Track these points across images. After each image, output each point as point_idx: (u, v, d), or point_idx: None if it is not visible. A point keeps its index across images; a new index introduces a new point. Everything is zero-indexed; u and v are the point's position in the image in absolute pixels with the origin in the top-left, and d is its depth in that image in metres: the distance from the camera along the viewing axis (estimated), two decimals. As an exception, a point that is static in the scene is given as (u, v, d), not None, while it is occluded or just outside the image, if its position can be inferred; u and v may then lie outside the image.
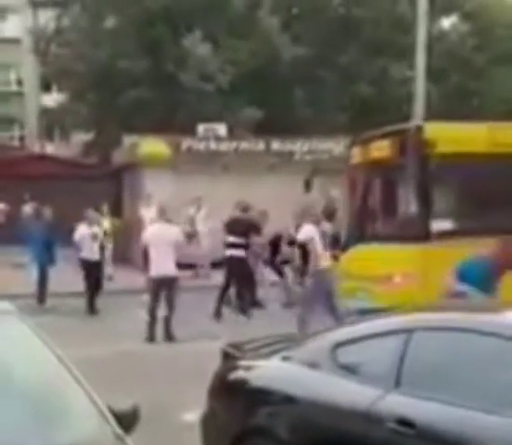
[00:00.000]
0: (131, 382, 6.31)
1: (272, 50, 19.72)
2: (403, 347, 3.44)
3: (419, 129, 9.64)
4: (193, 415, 4.76)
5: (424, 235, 9.40)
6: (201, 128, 17.48)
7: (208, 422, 4.31)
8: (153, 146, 17.02)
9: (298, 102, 20.50)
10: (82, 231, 11.50)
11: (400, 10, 20.85)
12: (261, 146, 17.30)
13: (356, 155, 10.94)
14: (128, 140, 18.19)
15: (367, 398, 3.40)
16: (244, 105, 19.56)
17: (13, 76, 30.50)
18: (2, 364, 2.60)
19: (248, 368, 4.27)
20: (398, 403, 3.31)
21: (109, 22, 22.10)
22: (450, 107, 19.36)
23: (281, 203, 12.76)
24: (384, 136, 10.19)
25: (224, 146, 17.27)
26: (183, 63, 19.50)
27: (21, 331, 2.70)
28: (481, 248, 9.47)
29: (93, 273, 11.44)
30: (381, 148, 10.15)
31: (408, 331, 3.50)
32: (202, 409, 4.38)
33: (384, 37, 21.19)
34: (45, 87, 29.55)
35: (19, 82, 30.50)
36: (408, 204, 9.81)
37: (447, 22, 24.07)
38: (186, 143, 17.14)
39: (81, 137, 25.84)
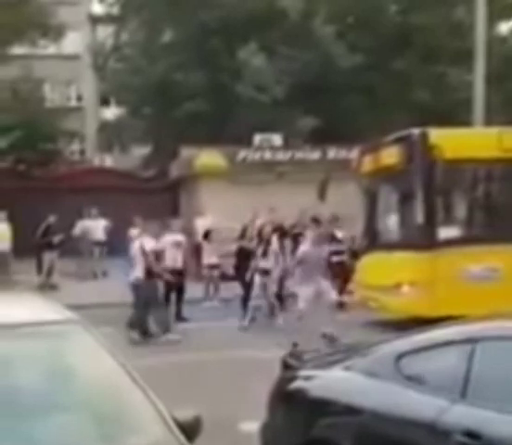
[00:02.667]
0: (189, 392, 6.32)
1: (327, 59, 19.71)
2: (469, 357, 3.34)
3: (424, 135, 9.42)
4: (252, 425, 4.72)
5: (430, 243, 9.19)
6: (257, 138, 17.58)
7: (267, 432, 4.27)
8: (209, 157, 17.18)
9: (354, 110, 20.40)
10: (165, 239, 11.09)
11: (457, 15, 20.59)
12: (316, 154, 17.27)
13: (366, 163, 10.77)
14: (185, 152, 18.42)
15: (433, 409, 3.31)
16: (300, 114, 19.58)
17: (73, 92, 31.32)
18: (68, 373, 2.63)
19: (308, 378, 4.21)
20: (464, 415, 3.21)
21: (166, 36, 22.50)
22: (511, 112, 18.94)
23: (338, 211, 12.64)
24: (391, 143, 10.05)
25: (280, 156, 17.31)
26: (238, 74, 19.66)
27: (87, 341, 2.72)
28: (490, 256, 9.13)
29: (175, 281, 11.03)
30: (388, 156, 9.99)
31: (474, 341, 3.40)
32: (262, 419, 4.34)
33: (441, 43, 20.94)
34: (104, 102, 30.25)
35: (79, 98, 31.29)
36: (414, 211, 9.56)
37: (505, 27, 23.64)
38: (242, 153, 17.25)
39: (139, 150, 26.31)
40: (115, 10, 24.13)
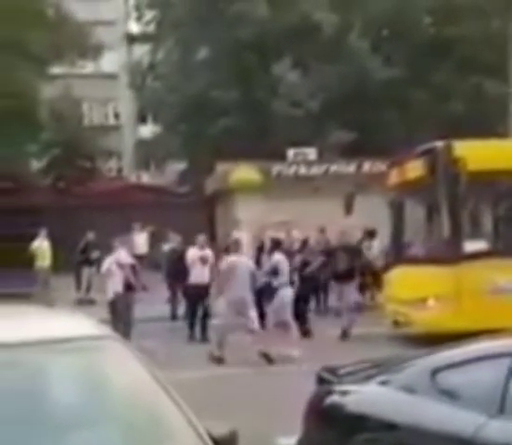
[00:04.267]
0: (223, 406, 6.30)
1: (362, 72, 19.72)
2: (507, 371, 3.28)
3: (448, 147, 9.31)
4: (288, 440, 4.70)
5: (455, 256, 9.04)
6: (291, 153, 17.63)
7: (303, 447, 4.24)
8: (244, 172, 17.29)
9: (389, 123, 20.34)
10: (191, 254, 11.18)
11: (493, 27, 20.43)
12: (351, 168, 17.23)
13: (393, 176, 10.67)
14: (221, 167, 18.57)
15: (470, 425, 3.25)
16: (334, 128, 19.59)
17: (111, 110, 31.84)
18: (104, 388, 2.65)
19: (344, 393, 4.18)
20: (503, 430, 3.15)
21: (201, 54, 22.79)
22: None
23: (373, 225, 12.62)
24: (416, 156, 9.95)
25: (314, 170, 17.32)
26: (273, 90, 19.79)
27: (123, 355, 2.73)
28: None
29: (201, 297, 11.13)
30: (414, 169, 9.91)
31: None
32: (297, 434, 4.32)
33: (477, 54, 20.79)
34: (141, 119, 30.68)
35: (117, 116, 31.80)
36: (439, 225, 9.46)
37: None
38: (276, 168, 17.31)
39: (175, 166, 26.58)
40: (151, 29, 24.54)
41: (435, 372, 3.65)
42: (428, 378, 3.64)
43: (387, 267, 10.79)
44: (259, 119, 19.99)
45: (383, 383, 3.94)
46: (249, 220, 14.96)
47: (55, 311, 3.73)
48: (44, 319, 3.07)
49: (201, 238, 11.51)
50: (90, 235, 15.68)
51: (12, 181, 22.56)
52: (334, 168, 17.42)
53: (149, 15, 24.13)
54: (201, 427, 2.56)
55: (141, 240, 17.46)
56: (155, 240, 17.81)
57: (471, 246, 9.21)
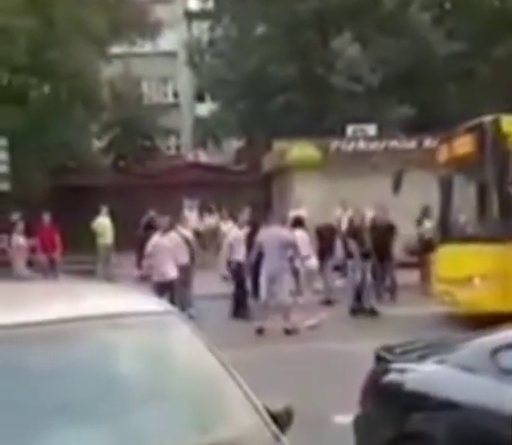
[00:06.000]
0: (280, 384, 6.34)
1: (424, 47, 19.25)
2: None
3: (496, 123, 8.99)
4: (345, 418, 4.72)
5: (503, 235, 8.81)
6: (350, 129, 17.41)
7: (361, 424, 4.26)
8: (302, 149, 17.17)
9: (451, 98, 19.85)
10: (234, 234, 11.41)
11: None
12: (412, 144, 16.91)
13: (442, 153, 10.39)
14: (278, 145, 18.49)
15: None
16: (394, 104, 19.24)
17: (170, 88, 32.03)
18: (167, 363, 2.69)
19: (401, 371, 4.17)
20: None
21: (259, 30, 22.63)
22: None
23: (430, 202, 12.37)
24: (465, 132, 9.64)
25: (373, 146, 17.06)
26: (332, 65, 19.53)
27: (183, 331, 2.77)
28: None
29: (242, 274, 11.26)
30: (462, 145, 9.66)
31: None
32: (353, 411, 4.33)
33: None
34: (199, 97, 30.76)
35: (176, 94, 31.98)
36: (487, 203, 9.24)
37: None
38: (335, 144, 17.13)
39: (232, 144, 26.62)
40: (210, 6, 24.46)
41: (495, 351, 3.60)
42: (488, 358, 3.59)
43: (434, 245, 10.65)
44: (317, 95, 19.78)
45: (441, 362, 3.92)
46: (306, 197, 14.89)
47: (118, 286, 3.80)
48: (108, 294, 3.14)
49: (243, 218, 11.72)
50: (152, 213, 15.89)
51: (75, 160, 23.03)
52: (394, 144, 17.12)
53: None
54: (259, 403, 2.60)
55: (192, 217, 17.69)
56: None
57: None
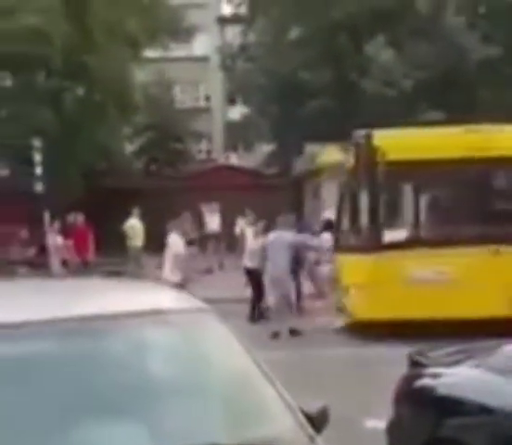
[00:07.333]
0: (313, 386, 6.31)
1: (458, 51, 19.08)
2: None
3: (368, 137, 9.32)
4: (377, 422, 4.68)
5: (374, 246, 9.09)
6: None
7: (394, 429, 4.21)
8: (333, 153, 17.11)
9: (483, 103, 19.63)
10: (250, 241, 11.63)
11: None
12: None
13: (342, 163, 10.76)
14: (309, 149, 18.47)
15: None
16: (427, 108, 19.10)
17: (202, 92, 32.22)
18: (202, 361, 2.67)
19: (436, 376, 4.12)
20: None
21: (292, 35, 22.64)
22: None
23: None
24: (351, 145, 10.03)
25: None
26: (365, 70, 19.46)
27: (219, 330, 2.76)
28: (435, 259, 8.86)
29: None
30: (347, 157, 10.16)
31: None
32: (386, 415, 4.29)
33: None
34: (230, 101, 30.89)
35: (207, 98, 32.15)
36: (360, 214, 9.59)
37: None
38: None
39: (263, 148, 26.66)
40: (243, 10, 24.55)
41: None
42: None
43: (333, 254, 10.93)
44: (349, 99, 19.71)
45: (475, 366, 3.87)
46: (335, 201, 14.82)
47: (151, 285, 3.81)
48: (142, 292, 3.15)
49: (258, 228, 11.76)
50: (186, 216, 15.94)
51: (107, 163, 23.25)
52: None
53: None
54: (294, 404, 2.58)
55: (214, 220, 17.73)
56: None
57: (391, 235, 9.27)
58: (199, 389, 2.54)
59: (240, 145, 28.79)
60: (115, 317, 2.56)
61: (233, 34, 25.84)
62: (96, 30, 18.97)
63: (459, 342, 4.38)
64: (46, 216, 15.11)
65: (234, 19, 26.60)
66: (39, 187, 16.41)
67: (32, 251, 15.11)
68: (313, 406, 2.66)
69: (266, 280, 10.04)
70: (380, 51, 19.19)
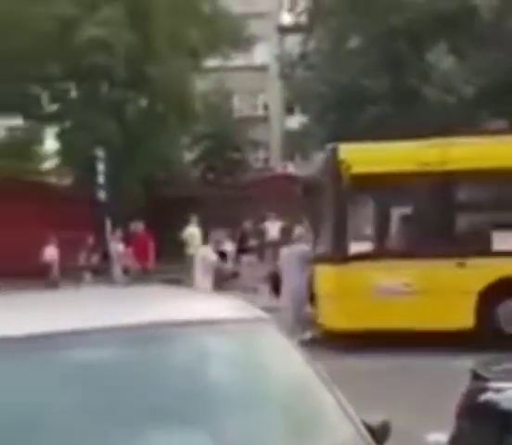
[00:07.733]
0: (373, 398, 6.24)
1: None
2: None
3: (334, 151, 9.65)
4: (439, 436, 4.59)
5: (339, 257, 9.29)
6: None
7: (456, 443, 4.13)
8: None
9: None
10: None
11: None
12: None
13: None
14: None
15: None
16: (489, 116, 18.73)
17: (260, 101, 32.39)
18: (261, 371, 2.68)
19: (499, 390, 4.02)
20: None
21: (352, 43, 22.55)
22: None
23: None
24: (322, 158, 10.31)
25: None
26: (426, 77, 19.23)
27: (279, 340, 2.76)
28: (400, 271, 9.00)
29: None
30: (319, 169, 10.51)
31: None
32: (448, 429, 4.21)
33: None
34: (289, 111, 30.95)
35: (266, 107, 32.29)
36: (327, 226, 9.80)
37: None
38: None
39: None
40: (303, 19, 24.62)
41: None
42: None
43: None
44: (409, 106, 19.49)
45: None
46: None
47: (210, 294, 3.84)
48: (202, 301, 3.18)
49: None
50: (246, 224, 16.05)
51: (166, 172, 23.59)
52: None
53: (302, 5, 24.19)
54: (355, 415, 2.56)
55: (275, 229, 17.76)
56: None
57: (356, 247, 9.37)
58: (260, 398, 2.55)
59: (297, 153, 28.77)
60: (179, 324, 2.58)
61: (292, 43, 25.92)
62: (158, 40, 19.29)
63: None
64: (108, 224, 15.41)
65: (294, 29, 26.69)
66: (102, 195, 16.78)
67: (96, 258, 15.42)
68: (375, 418, 2.63)
69: (283, 293, 10.29)
70: (442, 58, 18.94)
